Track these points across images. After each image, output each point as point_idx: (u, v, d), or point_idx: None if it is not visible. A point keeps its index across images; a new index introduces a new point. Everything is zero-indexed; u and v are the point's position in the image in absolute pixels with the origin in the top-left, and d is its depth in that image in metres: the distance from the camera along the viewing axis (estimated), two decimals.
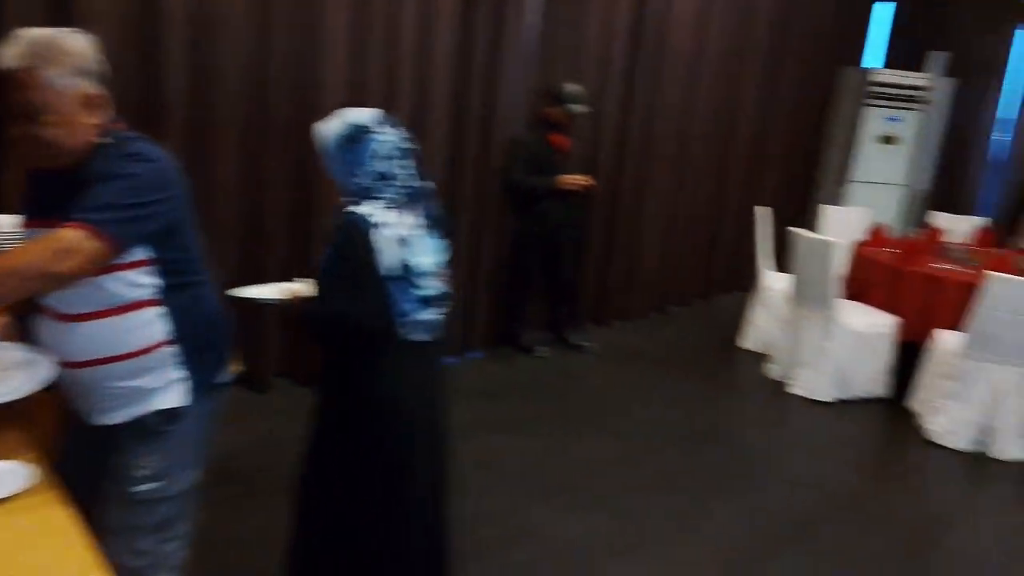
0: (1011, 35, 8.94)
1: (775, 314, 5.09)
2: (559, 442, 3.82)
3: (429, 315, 2.05)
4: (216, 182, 3.55)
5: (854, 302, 4.85)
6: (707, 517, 3.26)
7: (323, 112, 2.34)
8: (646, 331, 5.70)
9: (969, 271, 4.45)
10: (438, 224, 2.11)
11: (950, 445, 4.08)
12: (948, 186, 8.30)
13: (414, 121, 4.04)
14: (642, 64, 5.24)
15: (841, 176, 6.75)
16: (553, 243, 4.84)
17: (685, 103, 5.65)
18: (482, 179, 4.58)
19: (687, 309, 6.26)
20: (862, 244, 5.10)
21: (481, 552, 2.78)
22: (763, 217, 5.34)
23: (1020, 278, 3.91)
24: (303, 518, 2.14)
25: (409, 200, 2.02)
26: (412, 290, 1.98)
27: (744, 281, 6.19)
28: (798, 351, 4.67)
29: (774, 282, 5.22)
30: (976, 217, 6.01)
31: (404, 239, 1.96)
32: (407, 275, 1.96)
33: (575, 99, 4.56)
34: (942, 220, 5.92)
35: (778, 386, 4.76)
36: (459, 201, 4.48)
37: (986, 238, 5.29)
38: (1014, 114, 9.53)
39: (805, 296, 4.65)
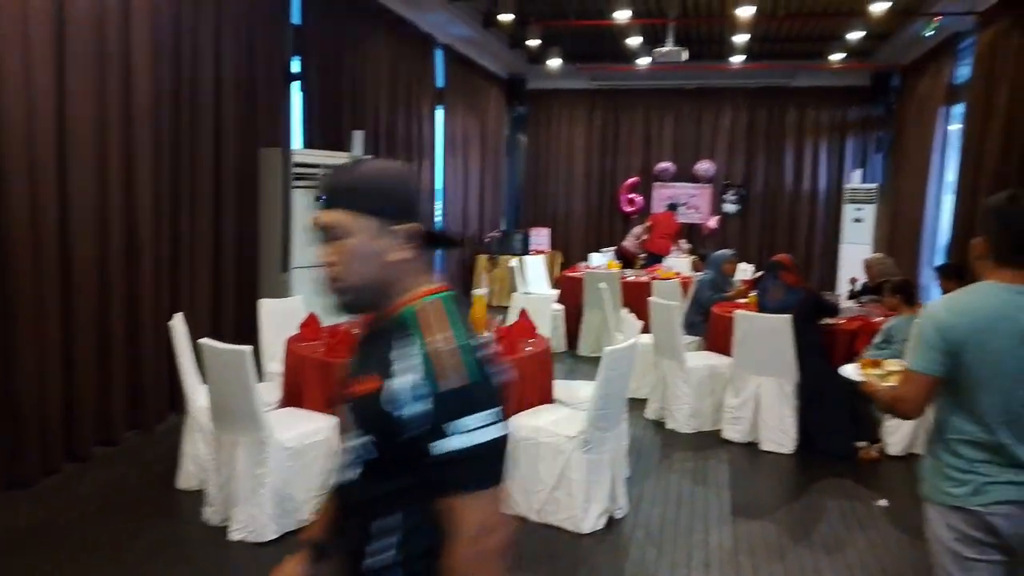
0: (432, 113, 9.55)
1: (210, 442, 4.06)
2: None
3: None
4: None
5: (291, 408, 4.10)
6: None
7: None
8: (53, 493, 4.16)
9: None
10: None
11: None
12: None
13: None
14: None
15: (282, 264, 6.08)
16: None
17: (51, 205, 4.33)
18: None
19: (116, 449, 4.84)
20: (293, 339, 4.39)
21: None
22: (181, 327, 4.29)
23: None
24: None
25: None
26: None
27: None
28: (232, 485, 3.69)
29: (205, 402, 4.19)
30: None
31: None
32: None
33: None
34: None
35: (218, 534, 3.71)
36: None
37: None
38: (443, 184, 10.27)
39: (227, 417, 3.71)
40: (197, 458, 4.20)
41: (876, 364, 2.64)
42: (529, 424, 3.91)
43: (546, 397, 4.36)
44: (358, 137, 6.79)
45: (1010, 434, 2.00)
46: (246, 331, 5.63)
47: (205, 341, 3.69)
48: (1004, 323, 2.00)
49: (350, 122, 7.27)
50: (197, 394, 4.20)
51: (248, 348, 3.55)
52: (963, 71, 8.53)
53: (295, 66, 6.73)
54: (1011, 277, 2.04)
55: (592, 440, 3.76)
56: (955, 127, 8.90)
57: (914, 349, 2.10)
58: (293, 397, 4.16)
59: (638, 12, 9.42)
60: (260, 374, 4.92)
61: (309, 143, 6.75)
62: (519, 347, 4.25)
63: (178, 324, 4.25)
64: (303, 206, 6.12)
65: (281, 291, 5.97)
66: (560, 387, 4.62)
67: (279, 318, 5.05)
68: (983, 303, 2.04)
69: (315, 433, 3.80)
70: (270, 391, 4.41)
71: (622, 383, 4.00)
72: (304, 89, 6.77)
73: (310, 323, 4.45)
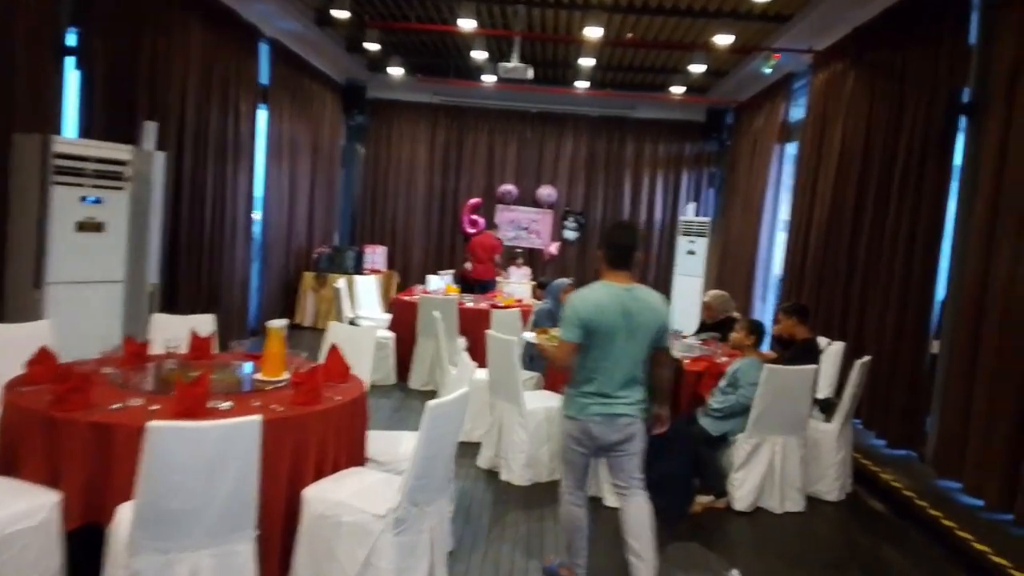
0: (253, 111, 8.40)
1: None
2: None
3: None
4: None
5: (5, 478, 2.99)
6: None
7: None
8: None
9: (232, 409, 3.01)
10: None
11: None
12: (186, 279, 7.12)
13: None
14: None
15: (35, 278, 4.81)
16: None
17: None
18: None
19: None
20: (13, 383, 3.26)
21: None
22: None
23: (193, 423, 2.60)
24: None
25: None
26: None
27: None
28: None
29: None
30: (204, 315, 4.76)
31: None
32: None
33: None
34: (163, 324, 4.52)
35: None
36: None
37: (202, 344, 4.03)
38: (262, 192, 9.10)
39: None
40: None
41: (545, 332, 4.04)
42: (328, 497, 3.04)
43: (356, 457, 3.50)
44: (151, 128, 5.64)
45: (601, 376, 3.21)
46: None
47: None
48: (610, 307, 3.18)
49: (146, 111, 6.08)
50: None
51: None
52: (796, 111, 8.62)
53: (71, 39, 5.50)
54: (614, 278, 3.26)
55: (407, 518, 2.95)
56: (788, 166, 8.99)
57: (563, 325, 3.24)
58: (8, 462, 3.04)
59: (483, 22, 8.85)
60: None
61: (87, 131, 5.51)
62: (323, 396, 3.36)
63: None
64: (67, 205, 4.89)
65: (33, 313, 4.71)
66: (376, 441, 3.78)
67: (16, 349, 3.83)
68: (599, 295, 3.23)
69: (26, 516, 2.72)
70: None
71: (448, 442, 3.23)
72: (83, 67, 5.52)
73: (41, 359, 3.33)
